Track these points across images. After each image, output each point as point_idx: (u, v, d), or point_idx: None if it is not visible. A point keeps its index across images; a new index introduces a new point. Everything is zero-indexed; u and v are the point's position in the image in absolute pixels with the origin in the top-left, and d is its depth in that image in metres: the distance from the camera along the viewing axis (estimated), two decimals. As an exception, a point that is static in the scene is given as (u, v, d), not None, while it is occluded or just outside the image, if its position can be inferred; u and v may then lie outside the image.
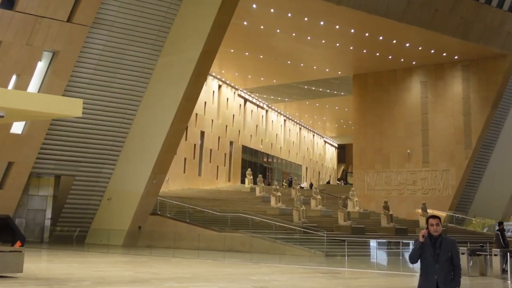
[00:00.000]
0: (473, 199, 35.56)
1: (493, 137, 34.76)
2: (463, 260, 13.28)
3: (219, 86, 40.99)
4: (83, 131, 24.20)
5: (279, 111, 52.02)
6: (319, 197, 31.11)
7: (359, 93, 37.99)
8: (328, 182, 60.84)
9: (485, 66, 33.57)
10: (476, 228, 34.11)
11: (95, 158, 24.68)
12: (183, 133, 25.21)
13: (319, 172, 63.55)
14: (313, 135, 62.30)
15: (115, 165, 24.99)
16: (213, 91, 40.00)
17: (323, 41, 31.56)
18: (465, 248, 13.60)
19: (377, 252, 19.99)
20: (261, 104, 48.16)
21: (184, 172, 35.85)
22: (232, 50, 33.64)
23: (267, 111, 49.67)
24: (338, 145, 70.36)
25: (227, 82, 41.67)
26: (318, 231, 21.84)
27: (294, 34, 30.71)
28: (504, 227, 14.87)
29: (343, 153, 69.48)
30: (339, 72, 38.00)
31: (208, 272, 12.33)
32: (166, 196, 28.17)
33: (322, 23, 29.00)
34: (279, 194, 29.76)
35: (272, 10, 27.60)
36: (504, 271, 12.68)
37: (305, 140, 59.93)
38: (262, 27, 29.57)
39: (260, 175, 35.61)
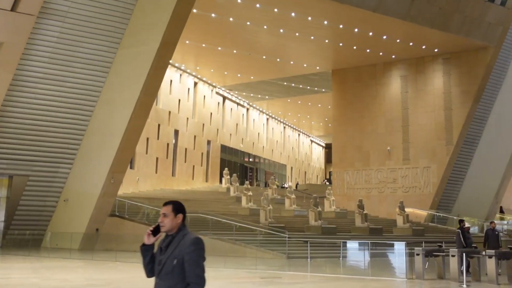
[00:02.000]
0: (457, 197, 34.24)
1: (476, 133, 33.50)
2: (418, 261, 12.01)
3: (195, 84, 39.69)
4: (37, 129, 22.87)
5: (261, 109, 50.71)
6: (293, 196, 29.81)
7: (339, 89, 36.75)
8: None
9: (467, 59, 32.37)
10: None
11: (50, 157, 23.33)
12: (142, 129, 23.87)
13: (305, 172, 62.25)
14: (299, 134, 61.00)
15: (72, 165, 23.63)
16: (188, 89, 38.70)
17: (297, 34, 30.29)
18: (420, 248, 12.32)
19: (341, 254, 18.71)
20: (242, 102, 46.87)
21: (156, 172, 34.51)
22: (204, 45, 32.41)
23: (248, 109, 48.36)
24: (326, 144, 69.08)
25: (204, 79, 40.37)
26: (282, 231, 20.49)
27: (265, 27, 29.45)
28: (466, 225, 13.61)
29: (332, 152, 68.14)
30: (318, 68, 36.74)
31: (129, 277, 11.06)
32: (133, 198, 26.88)
33: (293, 14, 27.74)
34: (250, 193, 28.45)
35: (239, 1, 26.32)
36: (462, 273, 11.40)
37: (290, 139, 58.62)
38: (231, 19, 28.30)
39: (234, 175, 34.30)
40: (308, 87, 41.84)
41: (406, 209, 29.77)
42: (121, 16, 23.24)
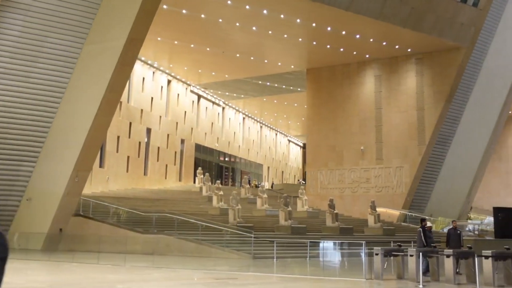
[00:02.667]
0: (429, 197, 34.31)
1: (449, 133, 33.59)
2: (377, 261, 11.79)
3: (169, 81, 39.13)
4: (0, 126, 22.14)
5: (237, 108, 50.34)
6: (265, 196, 29.54)
7: (313, 88, 36.62)
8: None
9: (439, 59, 32.49)
10: (439, 227, 32.91)
11: (13, 155, 22.58)
12: (108, 127, 23.32)
13: (282, 172, 62.06)
14: (276, 134, 60.80)
15: (36, 163, 22.92)
16: (162, 87, 38.13)
17: (270, 32, 30.03)
18: (379, 248, 12.12)
19: (309, 254, 18.50)
20: (217, 101, 46.43)
21: (127, 171, 33.90)
22: (176, 42, 31.94)
23: (223, 108, 47.95)
24: (304, 144, 68.98)
25: (178, 77, 39.85)
26: (250, 231, 20.15)
27: (238, 24, 29.12)
28: (428, 224, 13.46)
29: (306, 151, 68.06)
30: (292, 66, 36.54)
31: (79, 279, 10.61)
32: (101, 197, 26.30)
33: (265, 11, 27.45)
34: (221, 193, 28.07)
35: (210, -3, 25.94)
36: (422, 273, 11.20)
37: (267, 139, 58.37)
38: (202, 16, 27.88)
39: (207, 174, 33.89)
40: (284, 86, 41.63)
41: (379, 209, 29.78)
42: (87, 11, 22.63)
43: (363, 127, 34.25)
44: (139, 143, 35.15)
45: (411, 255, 11.25)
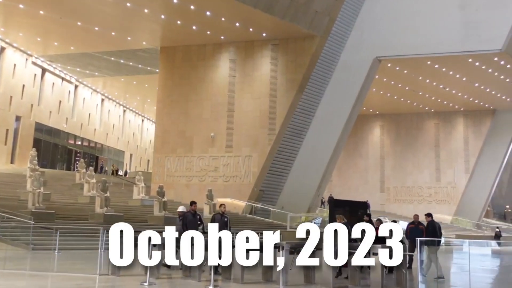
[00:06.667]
0: (282, 189, 33.25)
1: (302, 124, 32.62)
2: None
3: (3, 49, 34.19)
4: None
5: (94, 88, 46.10)
6: (93, 181, 26.45)
7: (166, 68, 34.03)
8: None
9: (294, 46, 31.46)
10: (305, 220, 31.86)
11: None
12: None
13: (148, 160, 58.68)
14: (142, 120, 57.26)
15: None
16: (-9, 53, 33.19)
17: (110, -1, 26.84)
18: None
19: (103, 245, 15.78)
20: (68, 77, 41.93)
21: None
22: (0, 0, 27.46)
23: (76, 86, 43.53)
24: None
25: (15, 45, 34.98)
26: (29, 217, 17.02)
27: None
28: (196, 208, 11.50)
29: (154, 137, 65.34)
30: (144, 43, 33.54)
31: None
32: None
33: (98, -28, 24.27)
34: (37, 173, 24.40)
35: None
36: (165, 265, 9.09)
37: (131, 124, 54.65)
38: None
39: (34, 155, 29.81)
40: (140, 66, 38.47)
41: (224, 200, 27.96)
42: None
43: (215, 113, 32.32)
44: (-46, 116, 30.08)
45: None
